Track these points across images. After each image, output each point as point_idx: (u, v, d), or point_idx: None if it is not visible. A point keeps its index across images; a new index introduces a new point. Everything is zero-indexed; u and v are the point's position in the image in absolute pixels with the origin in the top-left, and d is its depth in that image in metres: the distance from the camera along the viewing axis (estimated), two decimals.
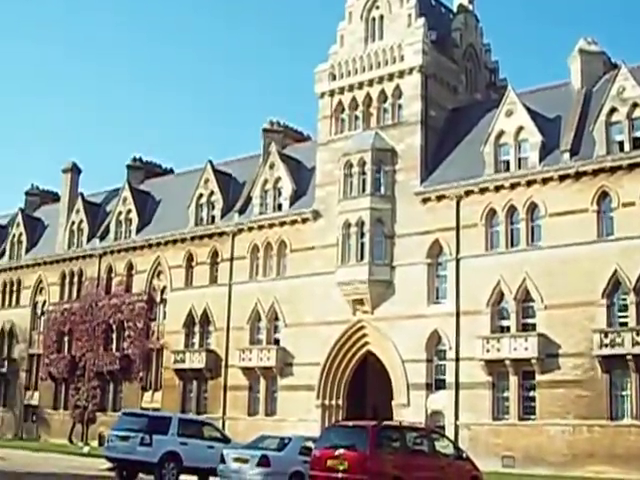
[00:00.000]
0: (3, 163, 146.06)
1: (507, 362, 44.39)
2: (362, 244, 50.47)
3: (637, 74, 44.76)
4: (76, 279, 68.72)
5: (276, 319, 54.99)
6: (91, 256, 67.26)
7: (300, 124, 63.70)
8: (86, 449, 52.37)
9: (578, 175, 44.63)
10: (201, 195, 60.86)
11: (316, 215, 53.77)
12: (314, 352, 51.75)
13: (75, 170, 73.62)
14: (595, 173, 44.15)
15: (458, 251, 47.51)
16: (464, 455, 26.58)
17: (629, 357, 40.99)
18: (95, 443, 59.48)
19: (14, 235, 75.92)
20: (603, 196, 43.99)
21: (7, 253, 76.04)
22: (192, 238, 60.20)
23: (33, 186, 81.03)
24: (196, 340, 59.11)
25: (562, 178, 45.07)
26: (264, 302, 55.09)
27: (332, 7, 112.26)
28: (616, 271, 42.32)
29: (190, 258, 60.37)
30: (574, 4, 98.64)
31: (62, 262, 69.76)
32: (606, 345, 41.60)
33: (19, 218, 76.29)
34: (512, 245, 46.46)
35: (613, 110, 44.67)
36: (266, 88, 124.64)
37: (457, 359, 46.30)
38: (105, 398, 63.83)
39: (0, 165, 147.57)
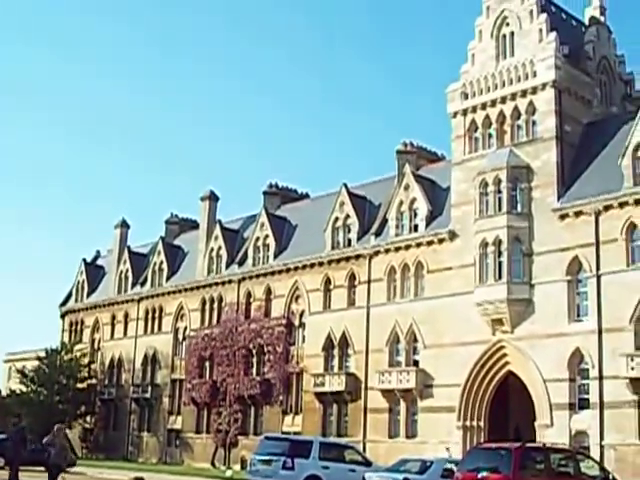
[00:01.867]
0: (144, 193, 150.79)
1: None
2: (500, 263, 50.04)
3: None
4: (216, 305, 70.26)
5: (415, 340, 54.93)
6: (230, 282, 68.67)
7: (434, 144, 63.85)
8: (229, 473, 53.33)
9: None
10: (337, 218, 61.50)
11: (452, 235, 53.61)
12: (454, 373, 51.45)
13: (213, 198, 75.29)
14: None
15: (598, 267, 46.55)
16: (611, 477, 26.06)
17: None
18: (238, 467, 60.42)
19: (155, 263, 78.11)
20: None
21: (149, 281, 78.26)
22: (329, 262, 60.83)
23: (172, 215, 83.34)
24: (335, 363, 59.57)
25: None
26: (402, 324, 55.15)
27: (462, 26, 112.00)
28: None
29: (328, 281, 60.99)
30: None
31: (202, 288, 71.46)
32: None
33: (159, 246, 78.43)
34: (634, 262, 45.48)
35: None
36: (399, 110, 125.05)
37: (600, 377, 45.24)
38: (246, 422, 64.85)
39: (141, 195, 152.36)
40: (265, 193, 71.77)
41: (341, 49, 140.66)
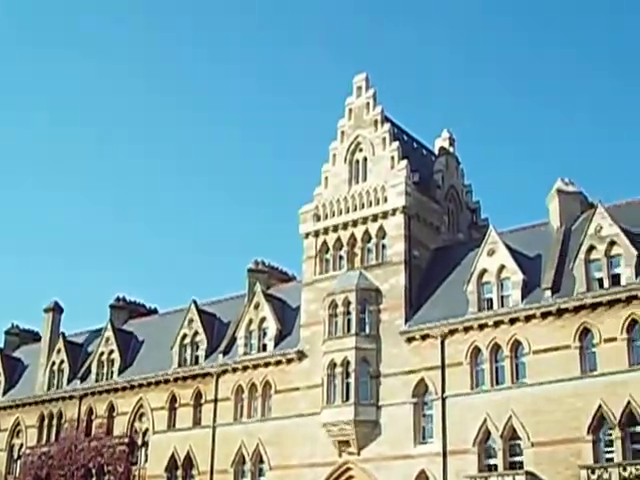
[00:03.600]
0: None
1: None
2: (347, 384, 50.32)
3: (613, 213, 45.95)
4: (55, 421, 67.43)
5: (261, 462, 54.12)
6: (71, 397, 66.21)
7: (285, 264, 64.44)
8: None
9: (560, 312, 45.19)
10: (185, 335, 60.76)
11: (301, 355, 53.74)
12: None
13: (57, 309, 73.11)
14: (576, 310, 44.75)
15: (444, 390, 47.48)
16: None
17: None
18: None
19: None
20: (585, 332, 44.52)
21: None
22: (175, 379, 59.75)
23: (13, 325, 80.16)
24: None
25: (544, 315, 45.58)
26: (248, 444, 54.38)
27: (316, 149, 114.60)
28: (600, 407, 42.47)
29: (173, 399, 59.80)
30: (551, 146, 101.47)
31: (41, 404, 68.51)
32: None
33: None
34: (497, 383, 46.51)
35: (591, 248, 45.62)
36: (251, 228, 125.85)
37: None
38: None
39: None
40: (112, 307, 70.49)
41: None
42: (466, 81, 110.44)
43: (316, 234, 55.39)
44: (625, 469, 40.74)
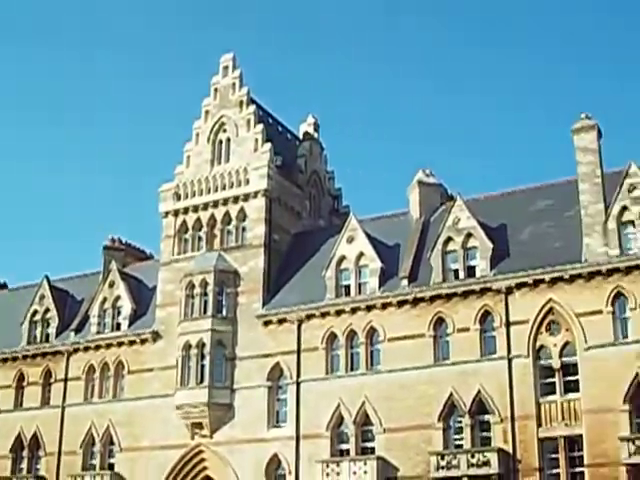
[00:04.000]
0: None
1: None
2: (202, 366, 49.97)
3: (471, 206, 47.01)
4: None
5: (111, 443, 53.21)
6: None
7: (143, 242, 63.40)
8: None
9: (415, 301, 45.99)
10: (35, 312, 59.05)
11: (156, 336, 53.03)
12: (151, 478, 50.30)
13: None
14: (432, 299, 45.64)
15: (299, 374, 47.73)
16: None
17: (464, 479, 41.79)
18: None
19: None
20: (439, 322, 45.46)
21: None
22: (24, 357, 58.00)
23: None
24: (24, 465, 56.24)
25: (400, 304, 46.32)
26: (99, 425, 53.36)
27: (180, 127, 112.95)
28: (452, 395, 43.54)
29: (21, 378, 58.03)
30: (412, 138, 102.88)
31: None
32: (442, 467, 42.36)
33: None
34: (352, 369, 47.03)
35: (449, 239, 46.59)
36: (109, 205, 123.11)
37: None
38: None
39: None
40: None
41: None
42: (333, 67, 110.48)
43: (175, 213, 54.67)
44: (473, 456, 41.90)
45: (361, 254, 48.56)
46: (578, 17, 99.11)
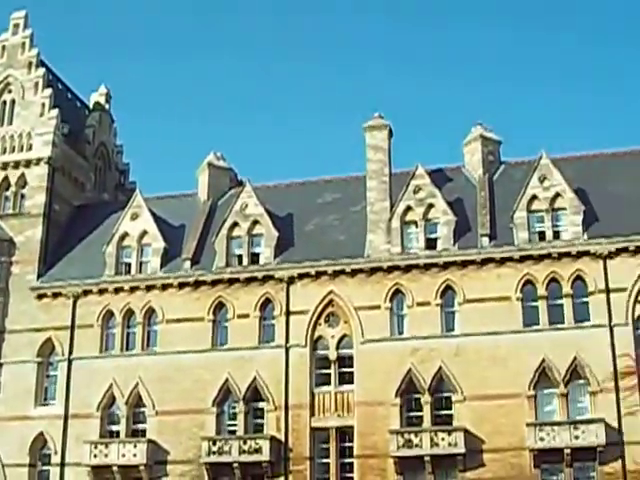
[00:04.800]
0: None
1: (115, 468, 43.33)
2: None
3: (260, 193, 47.16)
4: None
5: None
6: None
7: None
8: None
9: (197, 284, 45.64)
10: None
11: None
12: None
13: None
14: (214, 283, 45.46)
15: (71, 351, 46.24)
16: None
17: (235, 465, 41.87)
18: None
19: None
20: (220, 306, 45.28)
21: None
22: None
23: None
24: None
25: (182, 285, 45.82)
26: None
27: None
28: (227, 380, 43.54)
29: None
30: (207, 119, 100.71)
31: None
32: (214, 453, 42.29)
33: None
34: (127, 349, 46.09)
35: (235, 225, 46.53)
36: None
37: (62, 464, 44.48)
38: None
39: None
40: None
41: None
42: (131, 39, 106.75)
43: None
44: (245, 442, 42.11)
45: (144, 232, 47.63)
46: (368, 17, 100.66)
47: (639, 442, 39.24)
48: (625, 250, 41.82)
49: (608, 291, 41.50)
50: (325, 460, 42.37)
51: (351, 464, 41.85)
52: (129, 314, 46.50)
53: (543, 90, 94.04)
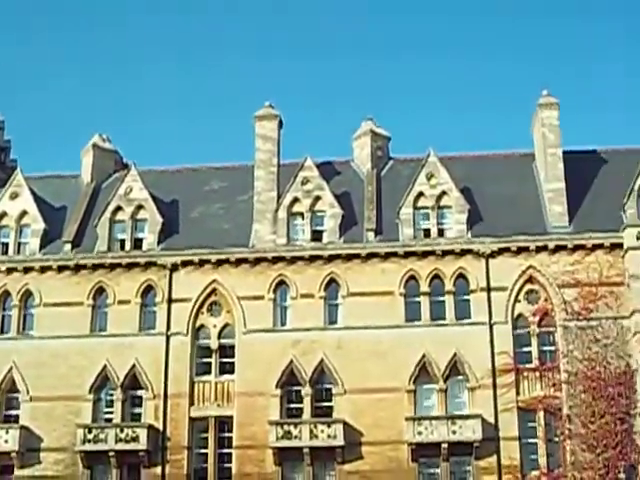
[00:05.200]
0: None
1: None
2: None
3: (146, 177, 46.40)
4: None
5: None
6: None
7: None
8: None
9: (77, 268, 44.61)
10: None
11: None
12: None
13: None
14: (94, 268, 44.52)
15: None
16: None
17: (111, 453, 41.24)
18: None
19: None
20: (100, 291, 44.41)
21: None
22: None
23: None
24: None
25: (61, 269, 44.68)
26: None
27: None
28: (105, 367, 42.79)
29: None
30: (93, 101, 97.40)
31: None
32: (89, 441, 41.47)
33: None
34: (2, 332, 44.69)
35: (119, 209, 45.68)
36: None
37: None
38: None
39: None
40: None
41: None
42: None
43: None
44: (122, 430, 41.41)
45: (24, 212, 46.24)
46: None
47: (514, 438, 40.32)
48: (507, 250, 42.69)
49: (489, 289, 42.40)
50: (203, 450, 42.05)
51: (230, 454, 41.64)
52: (5, 296, 45.03)
53: (435, 88, 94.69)
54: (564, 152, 45.30)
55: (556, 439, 40.81)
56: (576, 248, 42.36)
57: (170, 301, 43.72)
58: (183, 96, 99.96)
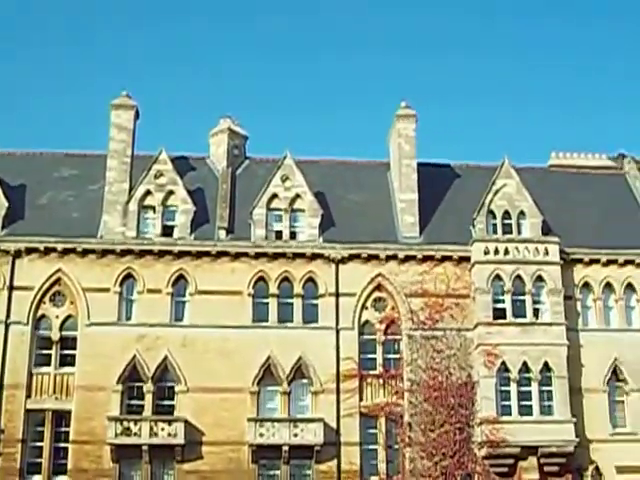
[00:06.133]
0: None
1: None
2: None
3: None
4: None
5: None
6: None
7: None
8: None
9: None
10: None
11: None
12: None
13: None
14: None
15: None
16: None
17: None
18: None
19: None
20: None
21: None
22: None
23: None
24: None
25: None
26: None
27: None
28: None
29: None
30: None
31: None
32: None
33: None
34: None
35: None
36: None
37: None
38: None
39: None
40: None
41: None
42: None
43: None
44: None
45: None
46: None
47: (355, 443, 40.86)
48: (357, 257, 43.21)
49: (338, 295, 42.81)
50: (39, 443, 40.73)
51: (66, 449, 40.52)
52: None
53: (294, 91, 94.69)
54: (419, 164, 46.32)
55: (396, 446, 41.52)
56: (425, 259, 43.31)
57: (11, 288, 42.19)
58: (44, 80, 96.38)
